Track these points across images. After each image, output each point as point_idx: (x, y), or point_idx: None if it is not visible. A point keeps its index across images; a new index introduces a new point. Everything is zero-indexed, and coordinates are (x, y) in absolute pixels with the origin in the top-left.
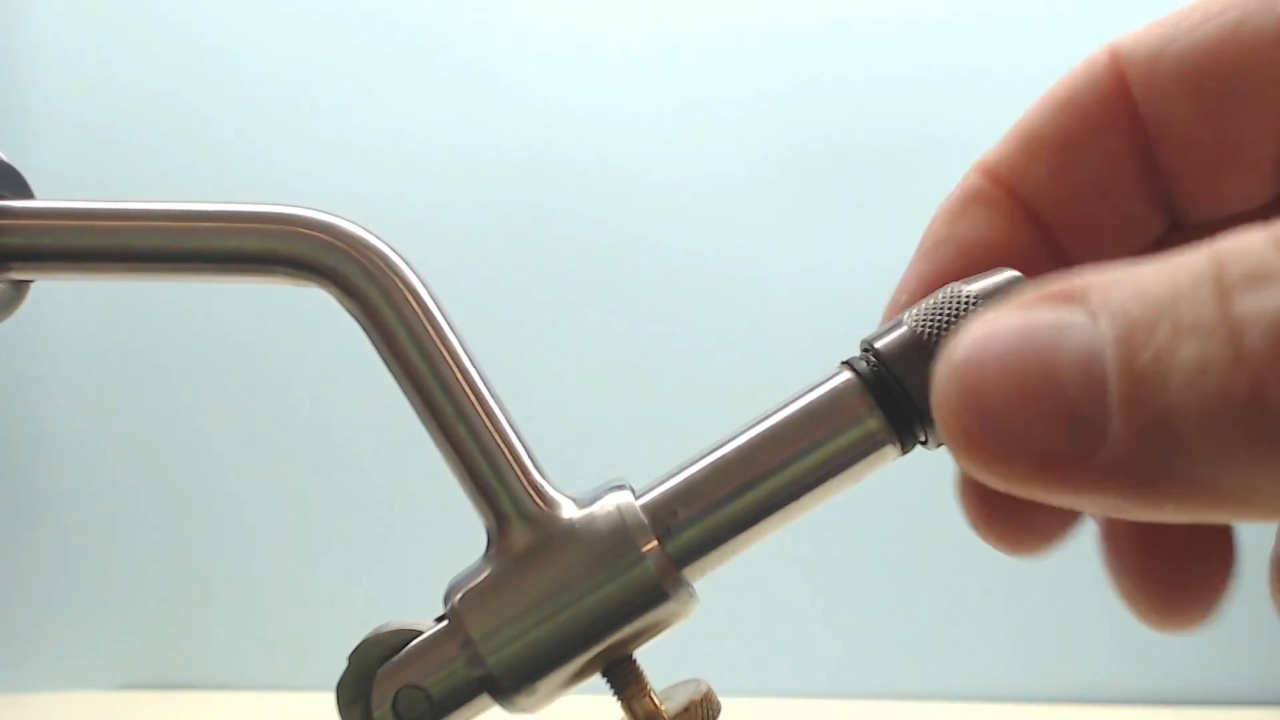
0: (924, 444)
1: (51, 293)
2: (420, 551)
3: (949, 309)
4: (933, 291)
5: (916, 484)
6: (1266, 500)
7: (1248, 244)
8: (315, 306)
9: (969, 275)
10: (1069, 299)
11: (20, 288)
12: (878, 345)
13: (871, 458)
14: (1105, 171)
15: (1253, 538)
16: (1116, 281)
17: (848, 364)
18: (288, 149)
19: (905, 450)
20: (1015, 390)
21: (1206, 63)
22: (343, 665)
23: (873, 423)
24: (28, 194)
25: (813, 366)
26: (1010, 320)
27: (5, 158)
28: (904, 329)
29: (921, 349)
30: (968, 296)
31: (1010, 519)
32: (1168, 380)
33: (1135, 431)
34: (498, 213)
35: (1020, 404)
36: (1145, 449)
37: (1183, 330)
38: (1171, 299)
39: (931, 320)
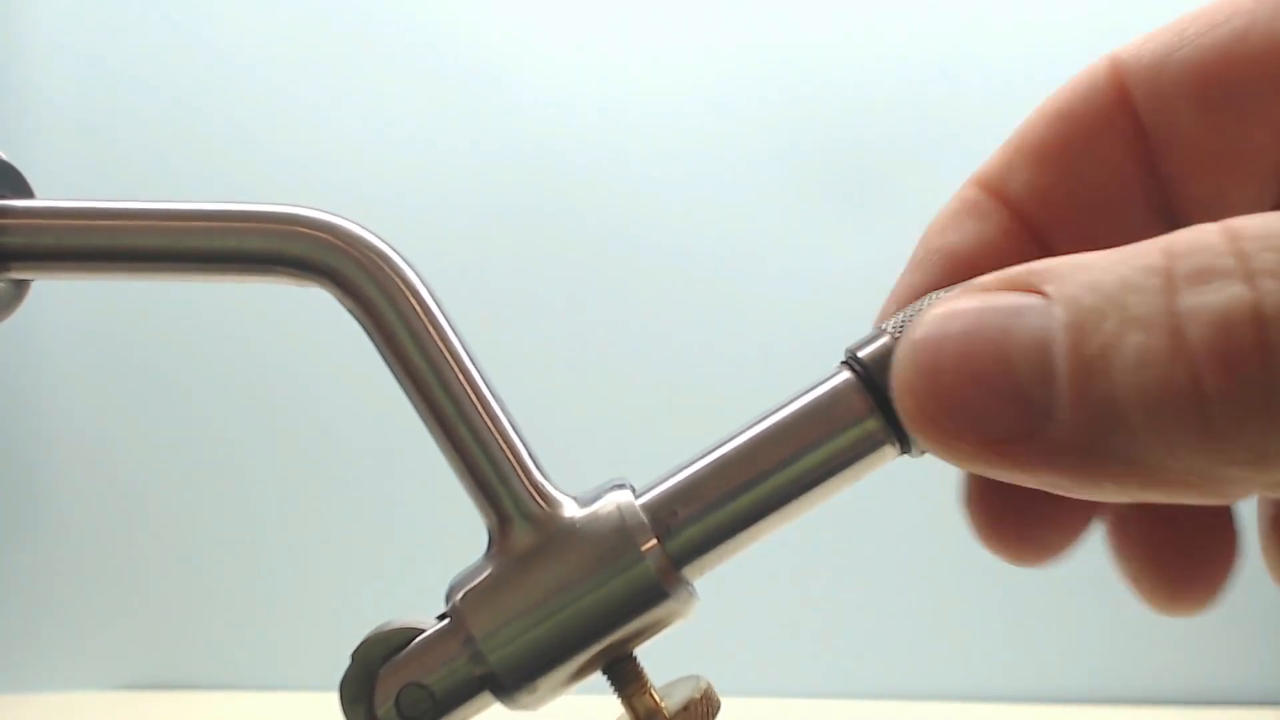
0: (907, 451)
1: (51, 293)
2: (421, 551)
3: None
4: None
5: (916, 484)
6: (1200, 483)
7: (1199, 239)
8: (316, 306)
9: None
10: (1027, 284)
11: (20, 287)
12: (861, 355)
13: (871, 457)
14: (1103, 181)
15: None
16: (1073, 269)
17: (847, 364)
18: (288, 149)
19: (904, 450)
20: (968, 369)
21: (1213, 70)
22: (344, 665)
23: (872, 423)
24: (28, 194)
25: (813, 365)
26: (969, 302)
27: (5, 157)
28: (885, 337)
29: None
30: None
31: (1015, 530)
32: (1112, 368)
33: (1080, 415)
34: (496, 212)
35: (972, 382)
36: (1088, 432)
37: (1129, 321)
38: (1122, 290)
39: None
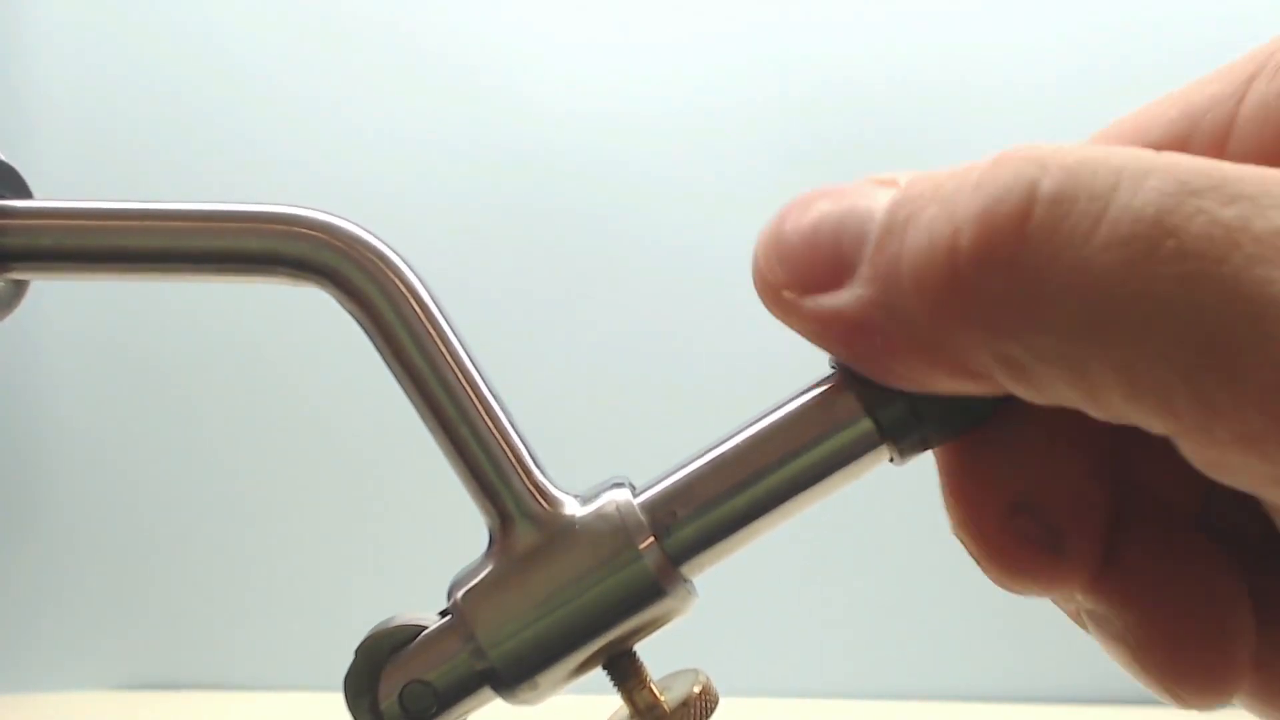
0: (893, 458)
1: (51, 293)
2: (421, 550)
3: None
4: None
5: (915, 483)
6: (960, 353)
7: (1042, 145)
8: (315, 306)
9: None
10: (889, 181)
11: (19, 287)
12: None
13: (868, 457)
14: None
15: None
16: (931, 171)
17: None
18: (288, 149)
19: (891, 456)
20: (807, 230)
21: None
22: (344, 664)
23: (868, 423)
24: (27, 194)
25: (812, 365)
26: (834, 189)
27: (5, 158)
28: None
29: None
30: None
31: (1205, 659)
32: (906, 234)
33: (873, 277)
34: (496, 212)
35: (806, 239)
36: (880, 291)
37: (936, 195)
38: (948, 177)
39: None
